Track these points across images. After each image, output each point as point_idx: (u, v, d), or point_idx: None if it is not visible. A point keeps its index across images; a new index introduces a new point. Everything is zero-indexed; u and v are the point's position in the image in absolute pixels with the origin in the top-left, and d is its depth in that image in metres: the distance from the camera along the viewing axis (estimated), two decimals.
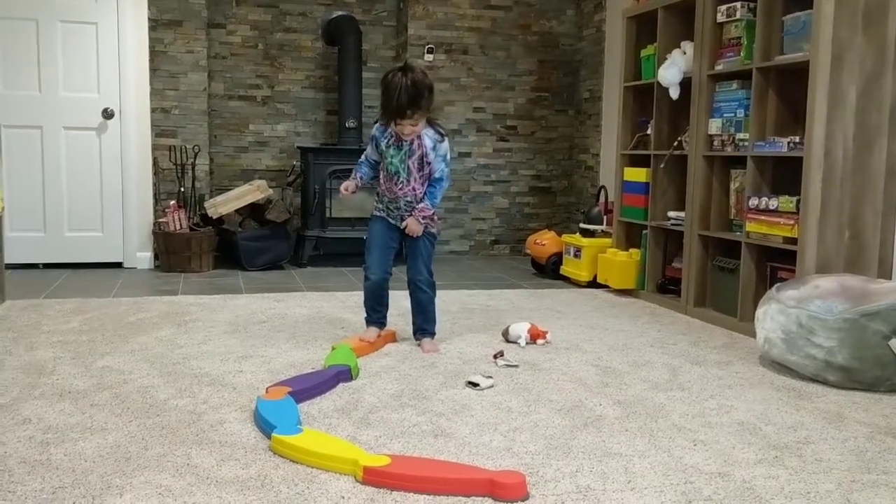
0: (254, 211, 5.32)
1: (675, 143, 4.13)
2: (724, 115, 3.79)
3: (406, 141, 3.01)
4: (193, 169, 5.35)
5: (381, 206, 3.15)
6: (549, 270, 5.04)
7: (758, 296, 3.45)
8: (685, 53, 4.03)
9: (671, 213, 4.20)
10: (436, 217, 3.15)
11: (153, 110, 5.23)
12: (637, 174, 4.43)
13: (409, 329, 3.46)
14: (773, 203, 3.42)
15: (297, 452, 1.98)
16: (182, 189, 5.28)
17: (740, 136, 3.68)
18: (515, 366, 2.91)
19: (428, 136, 3.02)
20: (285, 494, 1.79)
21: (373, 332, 3.16)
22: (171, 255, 5.01)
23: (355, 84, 5.61)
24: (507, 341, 3.26)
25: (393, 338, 3.25)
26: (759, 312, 2.98)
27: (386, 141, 3.06)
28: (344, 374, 2.67)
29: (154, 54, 5.24)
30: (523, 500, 1.78)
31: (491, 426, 2.26)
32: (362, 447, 2.04)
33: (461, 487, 1.81)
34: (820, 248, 3.25)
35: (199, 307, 3.87)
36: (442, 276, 4.99)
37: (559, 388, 2.66)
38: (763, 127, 3.56)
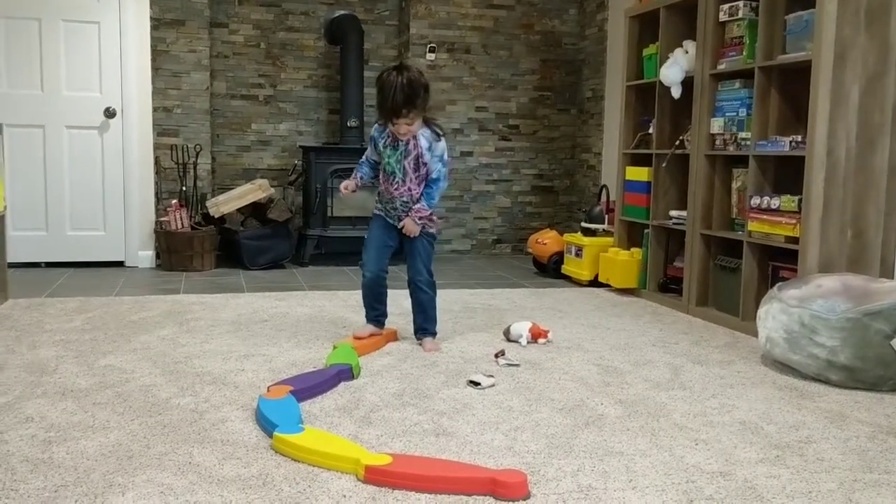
0: (256, 210, 5.32)
1: (677, 143, 4.13)
2: (727, 114, 3.78)
3: (402, 141, 3.01)
4: (195, 168, 5.36)
5: (380, 205, 3.16)
6: (550, 269, 5.04)
7: (760, 295, 3.45)
8: (687, 52, 4.02)
9: (673, 213, 4.20)
10: (434, 217, 3.15)
11: (155, 109, 5.23)
12: (639, 173, 4.42)
13: (411, 328, 3.46)
14: (775, 202, 3.41)
15: (298, 451, 1.98)
16: (184, 188, 5.29)
17: (742, 135, 3.68)
18: (517, 365, 2.91)
19: (424, 137, 3.01)
20: (287, 493, 1.79)
21: (367, 329, 3.16)
22: (173, 254, 5.01)
23: (357, 83, 5.61)
24: (509, 340, 3.26)
25: (394, 337, 3.25)
26: (761, 312, 2.98)
27: (384, 141, 3.06)
28: (345, 373, 2.67)
29: (156, 53, 5.24)
30: (525, 499, 1.78)
31: (492, 425, 2.26)
32: (364, 446, 2.04)
33: (463, 486, 1.81)
34: (822, 247, 3.24)
35: (200, 306, 3.87)
36: (444, 275, 5.00)
37: (560, 387, 2.66)
38: (765, 126, 3.56)
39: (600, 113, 5.89)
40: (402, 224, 3.08)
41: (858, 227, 3.28)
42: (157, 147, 5.25)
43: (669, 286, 4.25)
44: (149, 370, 2.75)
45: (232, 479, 1.86)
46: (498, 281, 4.89)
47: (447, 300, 4.14)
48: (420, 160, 3.02)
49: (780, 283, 3.05)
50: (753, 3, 3.63)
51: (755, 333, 3.14)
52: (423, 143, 3.01)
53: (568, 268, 4.85)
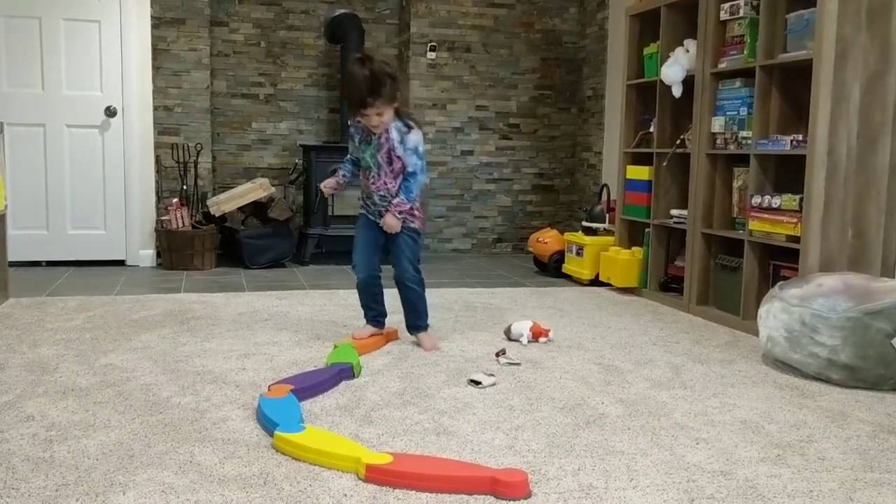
0: (256, 209, 5.32)
1: (678, 142, 4.12)
2: (727, 113, 3.78)
3: (375, 135, 2.99)
4: (196, 167, 5.36)
5: (362, 203, 3.14)
6: (551, 268, 5.04)
7: (760, 294, 3.45)
8: (688, 51, 4.02)
9: (674, 212, 4.19)
10: (417, 212, 3.11)
11: (156, 108, 5.23)
12: (640, 172, 4.42)
13: None
14: (776, 201, 3.41)
15: (299, 450, 1.98)
16: (184, 187, 5.29)
17: (743, 134, 3.68)
18: (518, 364, 2.91)
19: (395, 129, 2.97)
20: (288, 492, 1.79)
21: (367, 330, 3.15)
22: (174, 252, 5.01)
23: None
24: (510, 339, 3.26)
25: (395, 336, 3.25)
26: (762, 311, 2.98)
27: (359, 136, 3.04)
28: (346, 372, 2.67)
29: (157, 52, 5.24)
30: (526, 499, 1.78)
31: (493, 424, 2.26)
32: (365, 445, 2.04)
33: (463, 485, 1.81)
34: (823, 246, 3.24)
35: (201, 305, 3.87)
36: (444, 274, 5.00)
37: (561, 386, 2.66)
38: (766, 125, 3.56)
39: (601, 112, 5.88)
40: (382, 221, 3.04)
41: (859, 227, 3.28)
42: (157, 146, 5.25)
43: (670, 285, 4.25)
44: (150, 369, 2.75)
45: (233, 478, 1.86)
46: (499, 280, 4.89)
47: (448, 299, 4.15)
48: (392, 153, 2.98)
49: (780, 282, 3.05)
50: (754, 2, 3.62)
51: (756, 332, 3.14)
52: (395, 135, 2.97)
53: (569, 267, 4.85)
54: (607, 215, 4.86)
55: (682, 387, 2.68)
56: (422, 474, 1.83)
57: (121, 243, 5.18)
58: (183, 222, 5.04)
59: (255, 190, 5.23)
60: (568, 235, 4.94)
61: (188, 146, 5.34)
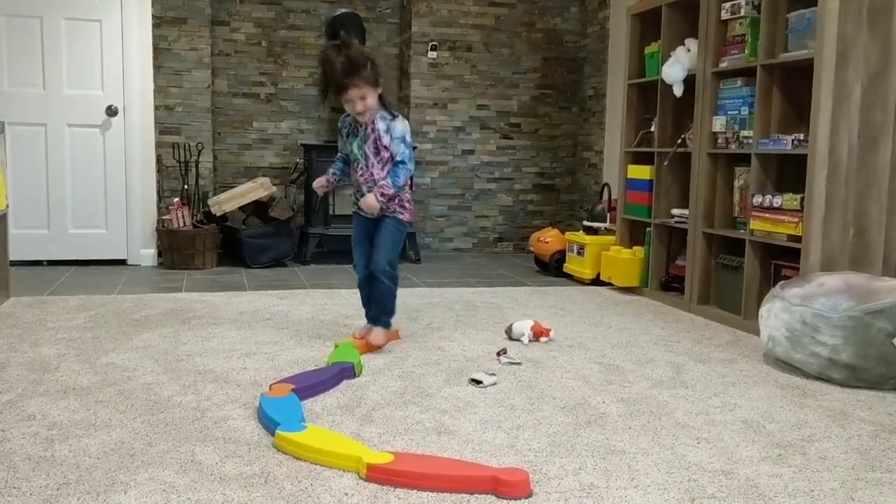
0: (257, 208, 5.32)
1: (679, 141, 4.12)
2: (729, 112, 3.78)
3: (363, 127, 2.98)
4: (197, 166, 5.36)
5: (353, 199, 3.12)
6: (552, 268, 5.04)
7: (762, 293, 3.45)
8: (689, 51, 4.02)
9: (675, 211, 4.19)
10: (407, 204, 3.08)
11: (157, 107, 5.23)
12: (641, 171, 4.42)
13: (413, 327, 3.46)
14: (778, 200, 3.41)
15: (300, 449, 1.98)
16: (186, 186, 5.29)
17: (744, 133, 3.68)
18: (518, 363, 2.90)
19: (380, 119, 2.97)
20: (289, 491, 1.79)
21: (368, 329, 3.14)
22: (175, 252, 5.02)
23: None
24: (511, 339, 3.26)
25: (396, 335, 3.25)
26: (763, 310, 2.97)
27: (347, 130, 3.04)
28: (347, 372, 2.67)
29: (158, 51, 5.24)
30: (527, 498, 1.78)
31: (494, 423, 2.26)
32: (366, 444, 2.04)
33: (465, 485, 1.81)
34: (824, 245, 3.24)
35: (202, 304, 3.88)
36: (445, 274, 5.00)
37: (562, 385, 2.66)
38: (767, 124, 3.55)
39: (602, 111, 5.88)
40: (362, 200, 2.97)
41: (860, 226, 3.28)
42: (158, 145, 5.26)
43: (671, 285, 4.25)
44: (151, 368, 2.75)
45: (234, 477, 1.86)
46: (500, 279, 4.89)
47: (449, 298, 4.15)
48: (379, 143, 2.96)
49: (782, 282, 3.05)
50: (755, 2, 3.62)
51: (757, 332, 3.14)
52: (381, 125, 2.96)
53: (570, 266, 4.85)
54: (608, 215, 4.86)
55: (684, 386, 2.68)
56: (423, 473, 1.83)
57: (122, 243, 5.19)
58: (184, 222, 5.05)
59: (256, 189, 5.23)
60: (569, 235, 4.94)
61: (189, 145, 5.34)
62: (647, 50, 4.41)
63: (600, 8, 5.91)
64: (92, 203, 5.12)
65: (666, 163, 4.20)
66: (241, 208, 5.25)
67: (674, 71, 4.01)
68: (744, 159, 3.74)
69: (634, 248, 4.47)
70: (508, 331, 3.29)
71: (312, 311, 3.76)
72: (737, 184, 3.85)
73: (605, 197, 5.14)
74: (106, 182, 5.12)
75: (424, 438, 2.14)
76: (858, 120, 3.22)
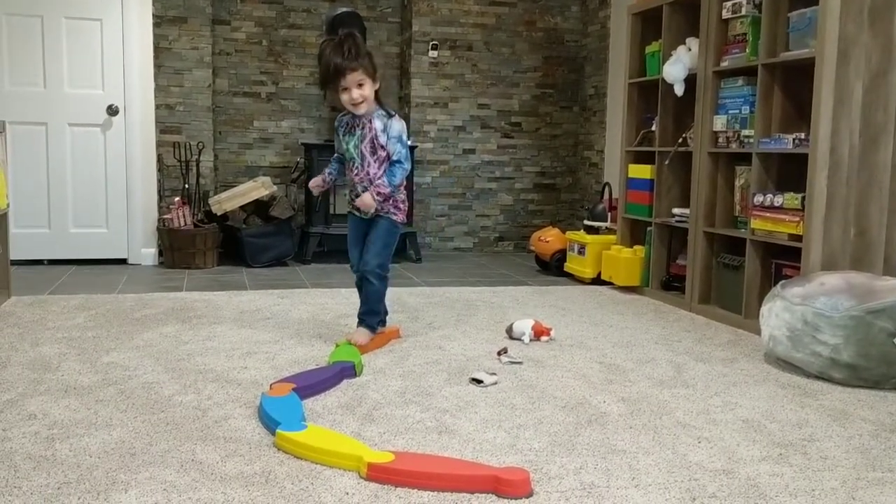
0: (258, 207, 5.32)
1: (680, 140, 4.12)
2: (730, 111, 3.78)
3: (359, 126, 2.97)
4: (198, 165, 5.36)
5: (348, 199, 3.12)
6: (553, 267, 5.04)
7: (763, 293, 3.44)
8: (690, 50, 4.02)
9: (676, 210, 4.19)
10: (402, 205, 3.07)
11: (157, 107, 5.23)
12: (642, 171, 4.42)
13: (413, 326, 3.46)
14: (779, 200, 3.41)
15: (301, 449, 1.98)
16: (186, 185, 5.29)
17: (745, 132, 3.67)
18: (519, 362, 2.90)
19: (377, 118, 2.96)
20: (289, 490, 1.79)
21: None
22: (176, 251, 5.02)
23: None
24: (511, 338, 3.26)
25: (396, 335, 3.25)
26: (764, 309, 2.97)
27: (344, 129, 3.04)
28: (348, 371, 2.67)
29: (158, 51, 5.24)
30: (527, 497, 1.78)
31: (495, 423, 2.26)
32: (366, 443, 2.04)
33: (465, 484, 1.81)
34: (825, 244, 3.24)
35: (203, 303, 3.88)
36: (446, 273, 5.00)
37: (563, 384, 2.65)
38: (768, 123, 3.55)
39: (603, 110, 5.88)
40: (359, 199, 2.97)
41: (862, 225, 3.28)
42: (159, 144, 5.26)
43: (672, 284, 4.25)
44: (151, 367, 2.75)
45: (234, 476, 1.86)
46: (500, 278, 4.89)
47: (449, 298, 4.15)
48: (376, 142, 2.96)
49: (783, 281, 3.05)
50: (756, 1, 3.62)
51: (758, 331, 3.14)
52: (378, 124, 2.96)
53: (570, 265, 4.85)
54: (609, 214, 4.86)
55: (684, 385, 2.68)
56: (424, 473, 1.83)
57: (122, 242, 5.19)
58: (185, 221, 5.05)
59: (256, 188, 5.23)
60: (570, 234, 4.94)
61: (190, 145, 5.35)
62: (648, 49, 4.41)
63: (601, 7, 5.90)
64: (92, 202, 5.12)
65: (667, 162, 4.19)
66: (241, 207, 5.25)
67: (675, 70, 4.01)
68: (745, 158, 3.74)
69: (635, 247, 4.47)
70: (509, 330, 3.29)
71: (313, 311, 3.76)
72: (738, 183, 3.85)
73: (606, 196, 5.13)
74: (107, 181, 5.12)
75: (425, 438, 2.14)
76: (859, 119, 3.22)
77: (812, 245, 3.24)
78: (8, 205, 4.06)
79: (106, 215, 5.15)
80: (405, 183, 3.10)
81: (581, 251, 4.74)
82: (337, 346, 2.97)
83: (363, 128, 2.97)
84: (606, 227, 4.81)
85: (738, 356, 3.09)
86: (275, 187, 5.38)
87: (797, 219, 3.30)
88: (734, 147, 3.76)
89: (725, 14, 3.78)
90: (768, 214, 3.46)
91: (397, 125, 2.98)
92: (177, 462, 1.93)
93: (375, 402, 2.43)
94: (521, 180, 6.24)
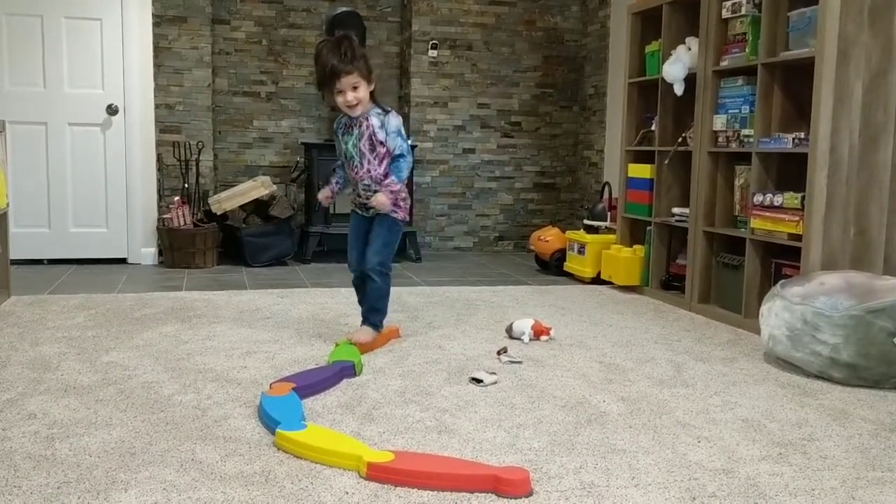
0: (258, 207, 5.32)
1: (680, 140, 4.12)
2: (729, 111, 3.78)
3: (357, 126, 2.98)
4: (197, 165, 5.36)
5: (351, 198, 3.13)
6: (552, 267, 5.04)
7: (762, 292, 3.44)
8: (690, 49, 4.02)
9: (675, 210, 4.19)
10: (402, 203, 3.07)
11: (157, 106, 5.23)
12: (641, 170, 4.42)
13: (413, 325, 3.46)
14: (778, 199, 3.41)
15: (301, 448, 1.98)
16: (186, 185, 5.29)
17: (745, 132, 3.67)
18: (519, 362, 2.90)
19: (374, 115, 2.97)
20: (289, 490, 1.79)
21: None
22: (176, 251, 5.02)
23: None
24: (511, 338, 3.26)
25: (396, 334, 3.25)
26: (764, 309, 2.97)
27: (342, 129, 3.04)
28: (348, 370, 2.67)
29: (158, 50, 5.24)
30: (527, 497, 1.78)
31: (495, 422, 2.26)
32: (366, 443, 2.04)
33: (465, 483, 1.81)
34: (825, 244, 3.24)
35: (203, 303, 3.88)
36: (446, 272, 5.00)
37: (563, 384, 2.65)
38: (768, 123, 3.55)
39: (602, 110, 5.88)
40: (374, 199, 2.97)
41: (861, 225, 3.28)
42: (159, 144, 5.26)
43: (672, 283, 4.25)
44: (151, 367, 2.75)
45: (234, 475, 1.86)
46: (500, 278, 4.89)
47: (449, 297, 4.15)
48: (374, 139, 2.96)
49: (782, 281, 3.05)
50: (756, 0, 3.62)
51: (758, 331, 3.14)
52: (375, 121, 2.97)
53: (570, 265, 4.85)
54: (609, 213, 4.86)
55: (684, 385, 2.68)
56: (423, 472, 1.83)
57: (122, 241, 5.19)
58: (184, 220, 5.05)
59: (256, 188, 5.23)
60: (569, 234, 4.94)
61: (190, 144, 5.35)
62: (648, 48, 4.41)
63: (601, 6, 5.90)
64: (92, 202, 5.12)
65: (666, 161, 4.19)
66: (241, 207, 5.25)
67: (675, 69, 4.01)
68: (744, 158, 3.74)
69: (635, 246, 4.47)
70: (509, 329, 3.29)
71: (313, 310, 3.76)
72: (737, 182, 3.85)
73: (606, 196, 5.13)
74: (106, 181, 5.12)
75: (425, 437, 2.14)
76: (859, 119, 3.22)
77: (812, 244, 3.24)
78: (8, 204, 4.06)
79: (106, 215, 5.15)
80: (405, 182, 3.10)
81: (581, 251, 4.74)
82: (337, 345, 2.97)
83: (360, 126, 2.98)
84: (606, 227, 4.80)
85: (737, 356, 3.09)
86: (274, 187, 5.38)
87: (797, 218, 3.30)
88: (734, 146, 3.76)
89: (725, 14, 3.78)
90: (768, 214, 3.46)
91: (394, 120, 2.99)
92: (176, 462, 1.93)
93: (375, 402, 2.43)
94: (520, 180, 6.24)
